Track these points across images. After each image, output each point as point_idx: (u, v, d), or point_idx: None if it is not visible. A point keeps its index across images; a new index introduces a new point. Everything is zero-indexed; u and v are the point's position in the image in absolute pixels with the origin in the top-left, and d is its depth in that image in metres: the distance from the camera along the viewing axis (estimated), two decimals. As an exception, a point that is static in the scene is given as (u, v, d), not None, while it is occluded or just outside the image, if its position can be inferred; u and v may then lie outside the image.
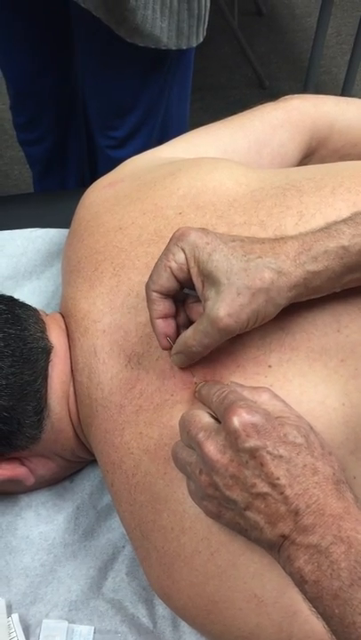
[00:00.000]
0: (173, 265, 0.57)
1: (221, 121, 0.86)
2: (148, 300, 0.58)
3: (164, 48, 1.00)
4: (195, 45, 1.05)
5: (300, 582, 0.47)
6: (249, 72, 2.35)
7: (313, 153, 0.88)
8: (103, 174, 0.82)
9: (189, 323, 0.59)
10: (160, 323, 0.58)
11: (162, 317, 0.58)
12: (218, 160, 0.76)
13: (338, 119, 0.87)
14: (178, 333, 0.59)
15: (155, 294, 0.58)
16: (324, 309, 0.59)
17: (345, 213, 0.62)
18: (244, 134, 0.83)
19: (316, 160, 0.89)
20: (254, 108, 0.87)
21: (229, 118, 0.86)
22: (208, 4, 1.01)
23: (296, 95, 0.89)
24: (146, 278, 0.65)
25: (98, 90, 1.18)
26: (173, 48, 1.01)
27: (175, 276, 0.57)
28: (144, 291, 0.59)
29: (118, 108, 1.18)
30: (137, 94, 1.14)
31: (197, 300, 0.58)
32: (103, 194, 0.77)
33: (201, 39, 1.05)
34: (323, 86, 2.30)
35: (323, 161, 0.88)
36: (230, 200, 0.68)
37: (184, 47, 1.03)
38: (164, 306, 0.58)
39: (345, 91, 2.10)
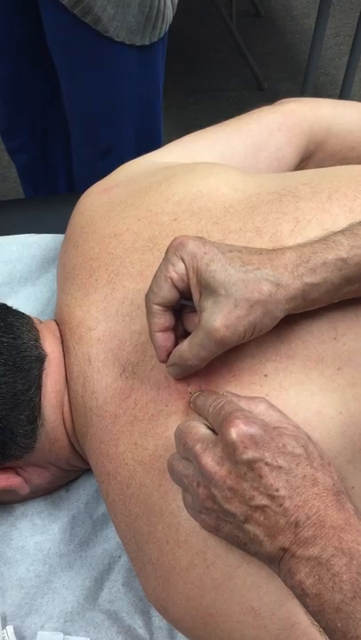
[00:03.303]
0: (174, 276, 0.56)
1: (218, 125, 0.85)
2: (149, 312, 0.57)
3: (105, 35, 1.01)
4: (138, 44, 1.05)
5: (302, 596, 0.47)
6: (247, 74, 2.35)
7: (310, 157, 0.88)
8: (92, 184, 0.81)
9: (186, 333, 0.59)
10: (160, 336, 0.57)
11: (162, 331, 0.57)
12: (214, 165, 0.75)
13: (335, 122, 0.86)
14: (176, 344, 0.58)
15: (156, 307, 0.57)
16: (320, 317, 0.59)
17: (341, 219, 0.62)
18: (241, 138, 0.83)
19: (313, 164, 0.88)
20: (251, 112, 0.86)
21: (226, 122, 0.86)
22: (164, 10, 1.02)
23: (293, 98, 0.89)
24: (141, 286, 0.64)
25: (73, 92, 1.18)
26: (116, 39, 1.02)
27: (176, 287, 0.56)
28: (139, 298, 0.59)
29: (93, 110, 1.18)
30: (108, 95, 1.14)
31: (194, 310, 0.57)
32: (98, 199, 0.76)
33: (147, 42, 1.05)
34: (321, 88, 2.30)
35: (320, 164, 0.88)
36: (226, 206, 0.67)
37: (127, 42, 1.03)
38: (165, 319, 0.57)
39: (343, 92, 2.11)
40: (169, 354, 0.58)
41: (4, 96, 1.26)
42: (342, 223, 0.60)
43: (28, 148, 1.39)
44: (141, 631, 0.70)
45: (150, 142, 1.24)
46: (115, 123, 1.20)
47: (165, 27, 1.06)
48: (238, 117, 0.86)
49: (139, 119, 1.21)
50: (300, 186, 0.67)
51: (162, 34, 1.07)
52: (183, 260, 0.55)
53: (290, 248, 0.55)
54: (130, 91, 1.14)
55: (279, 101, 0.88)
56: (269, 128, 0.84)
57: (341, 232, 0.56)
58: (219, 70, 2.35)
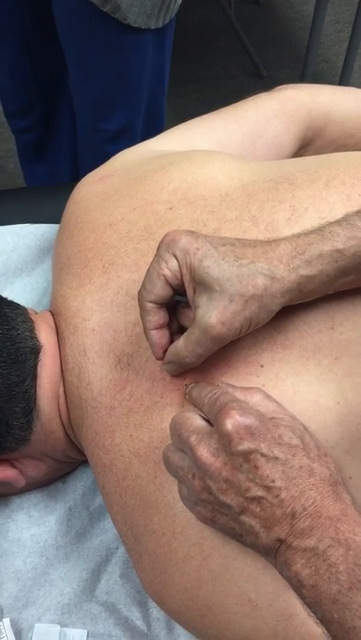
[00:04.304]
0: (167, 273, 0.55)
1: (215, 112, 0.85)
2: (143, 310, 0.56)
3: (124, 22, 1.02)
4: (153, 28, 1.06)
5: (298, 587, 0.47)
6: (246, 61, 2.34)
7: (309, 144, 0.87)
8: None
9: (181, 329, 0.58)
10: (155, 334, 0.57)
11: (157, 328, 0.57)
12: (210, 153, 0.75)
13: (334, 109, 0.85)
14: (171, 340, 0.58)
15: (150, 305, 0.56)
16: (317, 307, 0.58)
17: (339, 207, 0.61)
18: (238, 125, 0.82)
19: (312, 151, 0.87)
20: (248, 99, 0.86)
21: (223, 109, 0.85)
22: None
23: (291, 85, 0.88)
24: (136, 276, 0.63)
25: (82, 78, 1.18)
26: (133, 25, 1.03)
27: (170, 284, 0.55)
28: (133, 289, 0.58)
29: (105, 96, 1.19)
30: (120, 80, 1.15)
31: (188, 304, 0.56)
32: (93, 189, 0.76)
33: (160, 24, 1.07)
34: (321, 75, 2.29)
35: (319, 152, 0.87)
36: (222, 194, 0.67)
37: (143, 27, 1.04)
38: (159, 316, 0.56)
39: (343, 79, 2.10)
40: (165, 350, 0.57)
41: (15, 76, 1.27)
42: (340, 211, 0.59)
43: (36, 128, 1.39)
44: (139, 623, 0.70)
45: (157, 127, 1.26)
46: (125, 107, 1.20)
47: (177, 6, 1.07)
48: (235, 104, 0.85)
49: (148, 102, 1.22)
50: (296, 173, 0.66)
51: (173, 15, 1.07)
52: (176, 257, 0.55)
53: (284, 239, 0.55)
54: (143, 75, 1.15)
55: (277, 88, 0.87)
56: (267, 115, 0.83)
57: (338, 222, 0.55)
58: (217, 58, 2.34)
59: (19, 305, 0.71)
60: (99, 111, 1.22)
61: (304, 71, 2.07)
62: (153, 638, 0.69)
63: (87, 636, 0.68)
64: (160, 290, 0.55)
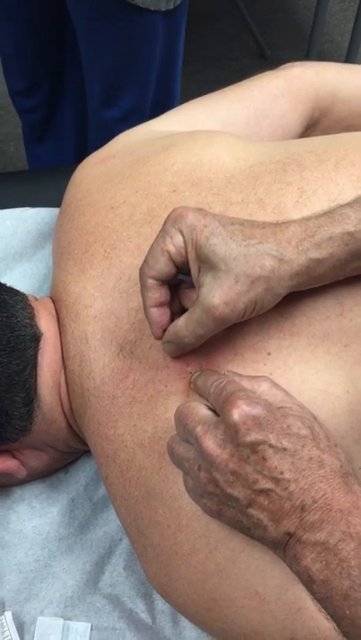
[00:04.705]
0: (172, 249, 0.53)
1: (219, 91, 0.83)
2: (143, 286, 0.55)
3: (132, 3, 1.02)
4: (163, 9, 1.06)
5: (308, 582, 0.46)
6: (250, 41, 2.31)
7: (316, 124, 0.85)
8: None
9: (182, 310, 0.56)
10: (155, 311, 0.56)
11: (157, 306, 0.55)
12: (214, 133, 0.73)
13: (341, 88, 0.83)
14: (172, 320, 0.56)
15: (151, 281, 0.55)
16: (326, 293, 0.57)
17: (348, 189, 0.60)
18: (243, 105, 0.80)
19: (319, 131, 0.85)
20: (253, 78, 0.84)
21: (227, 88, 0.83)
22: None
23: (297, 63, 0.86)
24: (138, 261, 0.62)
25: (93, 58, 1.18)
26: (142, 6, 1.02)
27: (173, 261, 0.54)
28: (136, 274, 0.57)
29: (116, 76, 1.19)
30: (130, 60, 1.14)
31: (192, 285, 0.55)
32: (94, 171, 0.74)
33: (171, 6, 1.06)
34: (326, 55, 2.27)
35: (326, 132, 0.85)
36: (227, 176, 0.65)
37: (152, 8, 1.04)
38: (160, 293, 0.55)
39: (349, 59, 2.09)
40: (165, 331, 0.56)
41: (22, 55, 1.27)
42: (349, 193, 0.58)
43: (42, 108, 1.39)
44: (144, 615, 0.69)
45: (168, 109, 1.26)
46: (135, 89, 1.20)
47: None
48: (240, 84, 0.83)
49: (159, 84, 1.22)
50: (304, 154, 0.65)
51: (178, 2, 1.07)
52: (182, 233, 0.53)
53: (294, 221, 0.53)
54: (153, 56, 1.15)
55: (283, 66, 0.85)
56: (272, 94, 0.81)
57: (349, 204, 0.54)
58: (220, 38, 2.31)
59: (18, 291, 0.69)
60: (109, 91, 1.22)
61: (309, 51, 2.05)
62: (158, 631, 0.68)
63: (91, 630, 0.68)
64: (163, 266, 0.54)
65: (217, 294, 0.51)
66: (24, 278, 0.87)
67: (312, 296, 0.57)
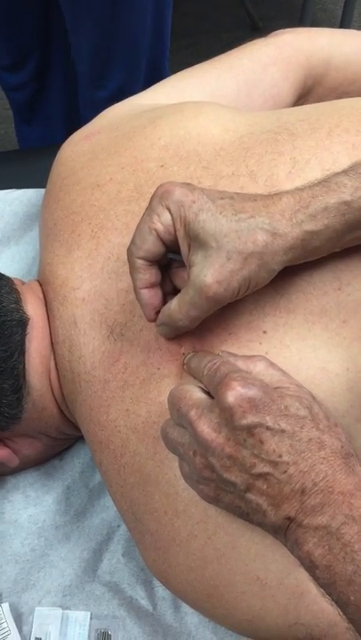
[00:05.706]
0: (160, 227, 0.51)
1: (207, 61, 0.80)
2: (132, 267, 0.53)
3: None
4: None
5: (311, 567, 0.44)
6: (241, 13, 2.28)
7: (309, 92, 0.83)
8: None
9: (175, 290, 0.55)
10: (146, 293, 0.54)
11: (148, 287, 0.53)
12: (202, 104, 0.71)
13: (335, 54, 0.81)
14: (165, 302, 0.54)
15: (140, 261, 0.53)
16: (322, 267, 0.55)
17: (343, 157, 0.58)
18: (233, 75, 0.78)
19: (313, 100, 0.83)
20: (243, 46, 0.81)
21: (216, 58, 0.80)
22: None
23: (288, 29, 0.84)
24: (127, 240, 0.60)
25: (79, 32, 1.16)
26: None
27: (162, 240, 0.52)
28: (124, 254, 0.55)
29: (105, 52, 1.16)
30: (117, 37, 1.12)
31: (183, 264, 0.53)
32: (79, 148, 0.72)
33: None
34: (319, 24, 2.23)
35: (320, 101, 0.82)
36: (217, 149, 0.63)
37: None
38: (150, 274, 0.53)
39: (342, 27, 2.04)
40: (158, 312, 0.54)
41: (6, 30, 1.24)
42: (344, 161, 0.56)
43: (29, 85, 1.37)
44: (144, 602, 0.68)
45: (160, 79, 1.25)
46: (124, 65, 1.18)
47: None
48: (229, 53, 0.81)
49: (149, 62, 1.20)
50: (296, 122, 0.63)
51: None
52: (169, 210, 0.51)
53: (287, 192, 0.51)
54: (142, 32, 1.13)
55: (273, 33, 0.83)
56: (263, 63, 0.78)
57: (344, 172, 0.51)
58: (211, 10, 2.28)
59: (2, 275, 0.68)
60: (98, 69, 1.20)
61: (301, 21, 2.03)
62: (159, 618, 0.67)
63: (90, 618, 0.67)
64: (151, 245, 0.52)
65: (209, 273, 0.49)
66: (12, 262, 0.86)
67: (308, 270, 0.55)
